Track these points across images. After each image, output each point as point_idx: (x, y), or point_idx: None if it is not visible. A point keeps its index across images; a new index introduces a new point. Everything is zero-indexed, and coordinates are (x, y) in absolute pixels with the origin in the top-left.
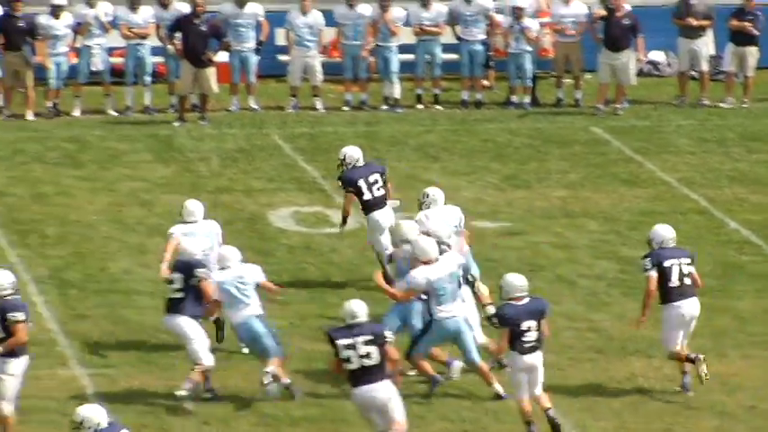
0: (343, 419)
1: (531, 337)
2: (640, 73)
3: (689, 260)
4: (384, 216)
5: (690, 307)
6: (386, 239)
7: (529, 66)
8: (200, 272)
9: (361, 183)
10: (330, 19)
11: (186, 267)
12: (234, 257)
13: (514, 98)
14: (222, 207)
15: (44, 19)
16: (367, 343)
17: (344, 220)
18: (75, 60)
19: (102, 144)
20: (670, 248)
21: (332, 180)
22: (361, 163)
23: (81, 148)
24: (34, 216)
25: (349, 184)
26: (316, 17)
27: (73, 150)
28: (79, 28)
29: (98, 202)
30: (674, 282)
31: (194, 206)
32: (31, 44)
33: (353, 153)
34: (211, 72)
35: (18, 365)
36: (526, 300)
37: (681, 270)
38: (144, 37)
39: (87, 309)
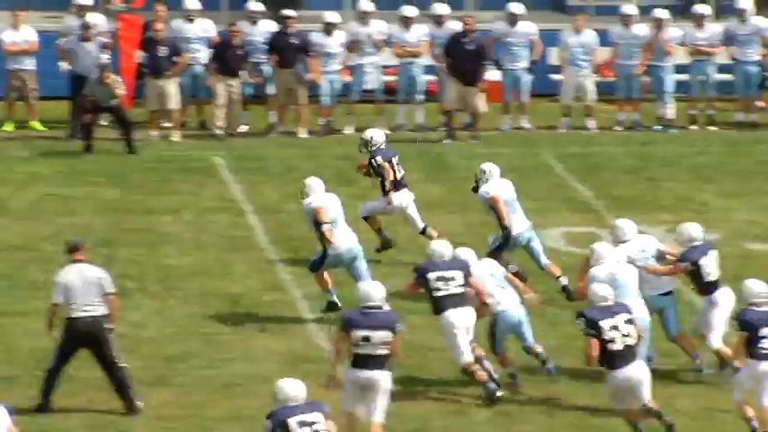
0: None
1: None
2: None
3: None
4: (404, 197)
5: None
6: (414, 214)
7: None
8: (472, 269)
9: (394, 161)
10: (603, 38)
11: (464, 265)
12: (470, 256)
13: None
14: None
15: (317, 36)
16: (627, 322)
17: (387, 191)
18: (346, 78)
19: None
20: None
21: (605, 200)
22: (384, 147)
23: (353, 165)
24: (306, 234)
25: (385, 160)
26: (589, 36)
27: (345, 168)
28: (352, 46)
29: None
30: None
31: (315, 183)
32: (303, 61)
33: (379, 137)
34: (479, 91)
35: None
36: (766, 307)
37: None
38: (416, 55)
39: None
